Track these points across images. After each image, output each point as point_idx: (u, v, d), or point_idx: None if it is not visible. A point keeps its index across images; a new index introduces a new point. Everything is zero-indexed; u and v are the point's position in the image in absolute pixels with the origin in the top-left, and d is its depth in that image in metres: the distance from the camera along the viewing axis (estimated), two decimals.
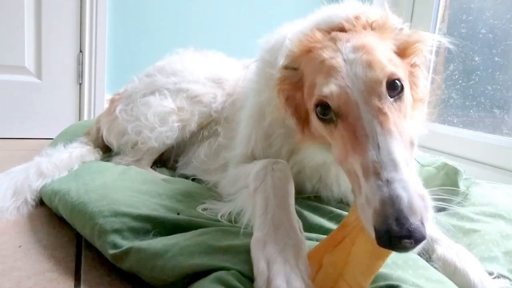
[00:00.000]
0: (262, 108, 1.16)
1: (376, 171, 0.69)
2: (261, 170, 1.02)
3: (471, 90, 2.38)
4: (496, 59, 2.29)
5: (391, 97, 0.80)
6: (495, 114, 2.31)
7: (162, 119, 1.51)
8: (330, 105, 0.81)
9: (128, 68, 2.38)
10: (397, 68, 0.84)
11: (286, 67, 0.96)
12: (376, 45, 0.86)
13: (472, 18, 2.47)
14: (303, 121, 0.96)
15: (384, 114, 0.77)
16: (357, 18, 0.96)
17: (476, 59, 2.36)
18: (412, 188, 0.68)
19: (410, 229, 0.63)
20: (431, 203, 0.70)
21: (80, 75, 2.52)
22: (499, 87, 2.29)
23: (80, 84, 2.54)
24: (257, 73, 1.21)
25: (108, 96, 2.25)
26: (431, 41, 0.98)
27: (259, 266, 0.77)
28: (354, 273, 0.76)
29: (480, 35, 2.38)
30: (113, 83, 2.57)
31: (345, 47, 0.85)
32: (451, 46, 1.01)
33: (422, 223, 0.64)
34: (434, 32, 2.62)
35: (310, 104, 0.87)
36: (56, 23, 2.42)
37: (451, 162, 1.43)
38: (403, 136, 0.76)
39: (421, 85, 0.97)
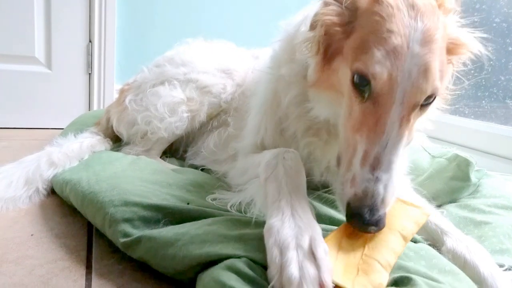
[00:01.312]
0: (277, 93, 1.14)
1: (373, 165, 0.79)
2: (272, 159, 1.01)
3: (483, 80, 2.34)
4: (510, 48, 2.25)
5: (420, 106, 0.83)
6: (507, 105, 2.27)
7: (172, 110, 1.51)
8: (372, 84, 0.80)
9: (137, 58, 2.39)
10: (440, 80, 0.83)
11: (337, 1, 0.89)
12: (441, 42, 0.84)
13: (486, 6, 2.42)
14: (327, 62, 0.92)
15: (408, 121, 0.81)
16: None
17: (489, 48, 2.31)
18: (391, 186, 0.79)
19: (377, 219, 0.78)
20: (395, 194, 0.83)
21: (89, 65, 2.53)
22: None
23: (89, 74, 2.55)
24: (275, 56, 1.19)
25: (117, 86, 2.26)
26: (476, 49, 0.95)
27: (272, 254, 0.77)
28: (380, 253, 0.81)
29: (494, 24, 2.33)
30: (123, 73, 2.58)
31: (415, 28, 0.80)
32: (485, 61, 0.98)
33: (385, 213, 0.79)
34: None
35: (352, 62, 0.83)
36: (65, 13, 2.42)
37: (463, 153, 1.41)
38: (407, 139, 0.84)
39: (446, 82, 0.96)
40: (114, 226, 0.99)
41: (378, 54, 0.79)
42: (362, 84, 0.81)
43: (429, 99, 0.83)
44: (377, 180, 0.78)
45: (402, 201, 0.91)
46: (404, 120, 0.80)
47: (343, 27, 0.88)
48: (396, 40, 0.79)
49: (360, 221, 0.78)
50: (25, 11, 2.34)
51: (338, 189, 0.86)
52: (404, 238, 0.85)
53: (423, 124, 1.07)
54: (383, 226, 0.79)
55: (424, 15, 0.82)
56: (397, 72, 0.78)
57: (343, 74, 0.88)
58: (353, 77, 0.83)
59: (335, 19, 0.88)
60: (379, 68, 0.78)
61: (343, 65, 0.88)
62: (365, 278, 0.76)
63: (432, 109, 1.00)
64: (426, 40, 0.80)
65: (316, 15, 0.92)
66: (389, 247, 0.82)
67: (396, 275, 0.82)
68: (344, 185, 0.83)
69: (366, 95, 0.81)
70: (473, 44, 0.94)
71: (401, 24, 0.80)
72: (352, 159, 0.82)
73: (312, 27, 0.93)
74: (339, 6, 0.89)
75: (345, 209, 0.81)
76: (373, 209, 0.77)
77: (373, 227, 0.78)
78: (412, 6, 0.83)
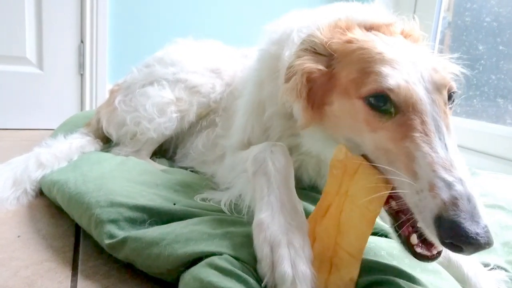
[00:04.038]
0: (262, 101, 1.15)
1: (447, 167, 0.69)
2: (260, 153, 1.00)
3: (474, 79, 2.35)
4: (501, 47, 2.26)
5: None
6: (498, 104, 2.29)
7: (161, 110, 1.51)
8: (392, 97, 0.77)
9: (130, 58, 2.37)
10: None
11: (311, 50, 0.93)
12: (428, 54, 0.88)
13: (477, 6, 2.43)
14: (315, 104, 0.93)
15: (448, 118, 0.79)
16: (392, 25, 0.97)
17: (480, 48, 2.33)
18: (477, 192, 0.68)
19: (485, 228, 0.63)
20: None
21: (81, 65, 2.52)
22: (503, 76, 2.26)
23: (81, 74, 2.54)
24: (260, 63, 1.19)
25: (110, 86, 2.25)
26: (456, 71, 0.97)
27: (263, 250, 0.77)
28: (349, 240, 0.77)
29: (485, 24, 2.34)
30: (115, 73, 2.57)
31: (399, 46, 0.85)
32: (463, 80, 0.99)
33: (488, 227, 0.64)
34: (438, 20, 2.59)
35: (357, 92, 0.82)
36: (57, 13, 2.41)
37: None
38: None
39: None
40: (100, 227, 0.99)
41: (384, 69, 0.80)
42: (379, 104, 0.79)
43: (450, 99, 0.83)
44: (462, 181, 0.66)
45: (366, 166, 0.80)
46: (445, 117, 0.78)
47: (324, 71, 0.90)
48: (391, 55, 0.82)
49: (464, 234, 0.61)
50: (16, 11, 2.33)
51: (417, 204, 0.70)
52: (372, 216, 0.77)
53: None
54: (491, 241, 0.62)
55: (399, 41, 0.89)
56: (410, 76, 0.79)
57: (343, 106, 0.87)
58: (367, 102, 0.81)
59: (314, 65, 0.90)
60: (393, 79, 0.78)
61: (342, 98, 0.87)
62: (337, 276, 0.77)
63: None
64: (415, 53, 0.85)
65: (290, 67, 0.94)
66: (358, 231, 0.77)
67: (375, 276, 0.81)
68: (421, 198, 0.69)
69: (392, 111, 0.78)
70: (451, 66, 0.96)
71: (385, 47, 0.85)
72: (413, 167, 0.71)
73: (288, 79, 0.94)
74: (314, 55, 0.92)
75: (434, 225, 0.65)
76: (474, 215, 0.63)
77: (483, 239, 0.61)
78: (384, 39, 0.89)
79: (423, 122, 0.75)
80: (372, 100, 0.80)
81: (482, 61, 2.31)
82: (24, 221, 1.19)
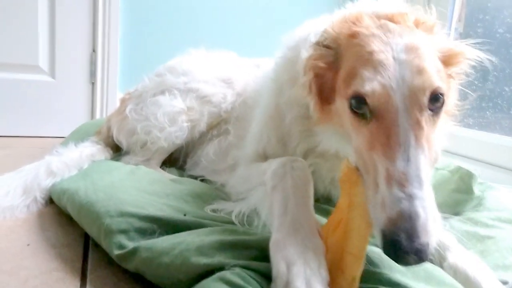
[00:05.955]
0: (280, 108, 1.13)
1: (401, 182, 0.70)
2: (280, 168, 0.99)
3: (487, 91, 2.32)
4: None
5: (430, 110, 0.79)
6: None
7: (172, 119, 1.51)
8: (368, 102, 0.78)
9: (141, 67, 2.38)
10: (442, 81, 0.82)
11: (320, 44, 0.93)
12: (428, 50, 0.84)
13: (489, 17, 2.41)
14: (325, 101, 0.92)
15: (421, 127, 0.76)
16: (406, 14, 0.93)
17: (493, 59, 2.30)
18: (430, 210, 0.70)
19: (418, 247, 0.66)
20: (440, 227, 0.72)
21: (93, 74, 2.54)
22: None
23: (93, 83, 2.56)
24: (278, 69, 1.18)
25: (120, 95, 2.27)
26: (474, 55, 0.94)
27: (279, 268, 0.76)
28: (353, 242, 0.79)
29: (497, 35, 2.32)
30: (126, 82, 2.59)
31: (396, 43, 0.82)
32: (489, 66, 0.97)
33: (429, 245, 0.67)
34: (450, 31, 2.57)
35: (345, 92, 0.83)
36: (69, 23, 2.45)
37: (466, 165, 1.39)
38: (430, 153, 0.77)
39: (452, 98, 0.96)
40: (110, 237, 0.98)
41: (366, 72, 0.79)
42: (360, 107, 0.80)
43: (436, 102, 0.79)
44: (411, 198, 0.69)
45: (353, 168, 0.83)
46: (417, 127, 0.76)
47: (330, 66, 0.90)
48: (379, 56, 0.80)
49: (396, 250, 0.67)
50: (29, 21, 2.36)
51: (373, 216, 0.75)
52: (368, 219, 0.79)
53: (442, 142, 1.02)
54: (425, 259, 0.67)
55: (401, 34, 0.85)
56: (389, 81, 0.77)
57: (341, 106, 0.87)
58: (350, 105, 0.81)
59: (320, 61, 0.90)
60: (370, 83, 0.77)
61: (339, 98, 0.88)
62: (341, 277, 0.78)
63: (444, 124, 0.98)
64: (410, 49, 0.81)
65: (306, 61, 0.94)
66: (359, 232, 0.78)
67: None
68: (375, 212, 0.73)
69: (368, 115, 0.79)
70: (468, 51, 0.93)
71: (380, 44, 0.83)
72: (377, 179, 0.74)
73: (304, 72, 0.95)
74: (323, 49, 0.92)
75: (381, 237, 0.70)
76: (411, 234, 0.66)
77: (412, 257, 0.66)
78: (388, 30, 0.86)
79: (390, 133, 0.75)
80: (353, 102, 0.81)
81: (495, 73, 2.28)
82: (33, 230, 1.18)
